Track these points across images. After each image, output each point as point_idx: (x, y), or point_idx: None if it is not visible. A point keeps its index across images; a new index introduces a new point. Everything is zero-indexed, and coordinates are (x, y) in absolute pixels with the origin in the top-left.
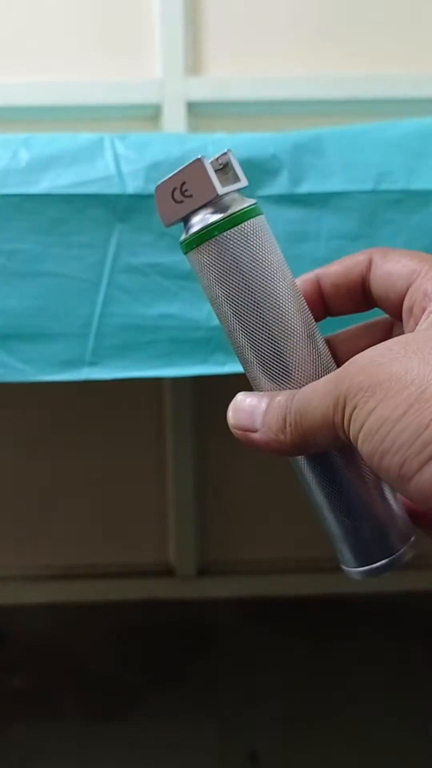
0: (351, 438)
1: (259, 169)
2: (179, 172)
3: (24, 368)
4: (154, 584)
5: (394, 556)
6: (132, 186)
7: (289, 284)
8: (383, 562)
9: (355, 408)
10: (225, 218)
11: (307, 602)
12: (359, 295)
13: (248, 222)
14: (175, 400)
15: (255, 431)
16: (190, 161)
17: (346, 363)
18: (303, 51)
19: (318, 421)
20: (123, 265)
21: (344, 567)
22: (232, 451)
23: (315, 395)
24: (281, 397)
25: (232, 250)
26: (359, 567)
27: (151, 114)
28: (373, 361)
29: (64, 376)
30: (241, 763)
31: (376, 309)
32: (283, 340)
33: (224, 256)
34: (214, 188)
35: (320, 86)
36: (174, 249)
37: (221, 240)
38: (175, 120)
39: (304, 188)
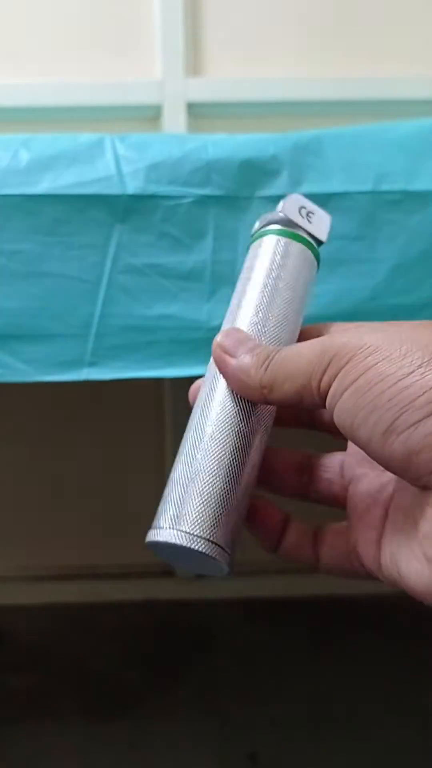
0: (328, 393)
1: (259, 170)
2: (313, 204)
3: (24, 368)
4: (153, 585)
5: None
6: (132, 186)
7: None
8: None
9: (348, 362)
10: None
11: (307, 603)
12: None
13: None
14: (174, 400)
15: (233, 357)
16: (324, 212)
17: (338, 330)
18: (303, 52)
19: (296, 366)
20: (123, 266)
21: (164, 528)
22: None
23: (302, 348)
24: (269, 346)
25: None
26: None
27: (152, 115)
28: (373, 329)
29: (64, 377)
30: (241, 763)
31: None
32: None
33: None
34: (325, 235)
35: (320, 87)
36: (174, 249)
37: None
38: (175, 121)
39: (304, 189)
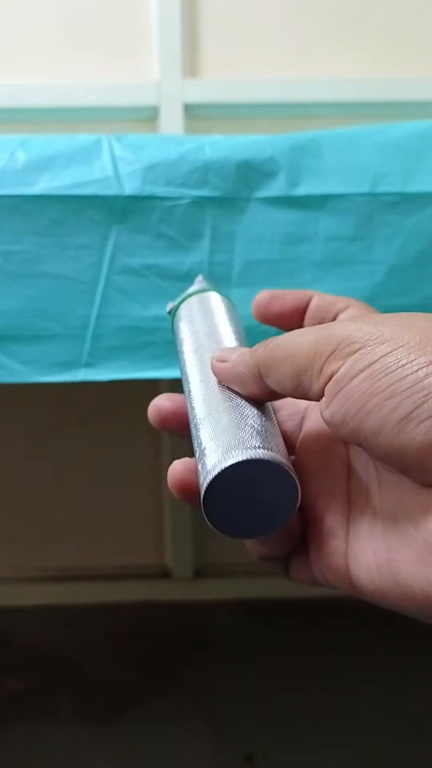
0: (332, 378)
1: (256, 171)
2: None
3: (21, 369)
4: (150, 586)
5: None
6: (129, 187)
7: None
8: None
9: (361, 348)
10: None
11: (304, 604)
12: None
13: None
14: None
15: (226, 362)
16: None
17: (339, 319)
18: (300, 53)
19: (295, 347)
20: (120, 267)
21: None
22: None
23: (307, 330)
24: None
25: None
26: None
27: (149, 116)
28: (381, 320)
29: (61, 378)
30: (238, 765)
31: None
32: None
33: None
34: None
35: (317, 89)
36: (171, 250)
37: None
38: (172, 122)
39: (301, 190)
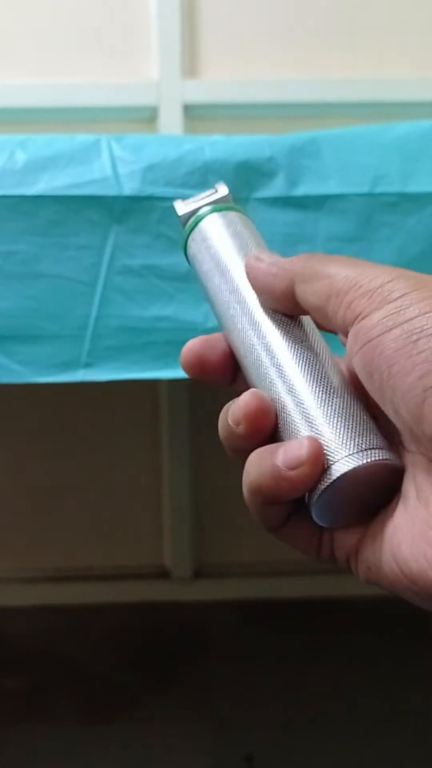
0: (366, 318)
1: (256, 172)
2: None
3: (20, 370)
4: (149, 587)
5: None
6: (128, 188)
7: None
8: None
9: (397, 299)
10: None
11: (302, 605)
12: None
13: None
14: (171, 402)
15: (261, 262)
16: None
17: None
18: (299, 54)
19: (339, 275)
20: (119, 267)
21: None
22: None
23: (342, 262)
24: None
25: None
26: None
27: (148, 116)
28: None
29: (60, 378)
30: (238, 765)
31: None
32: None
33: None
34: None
35: (316, 89)
36: (170, 250)
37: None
38: (171, 122)
39: (301, 191)
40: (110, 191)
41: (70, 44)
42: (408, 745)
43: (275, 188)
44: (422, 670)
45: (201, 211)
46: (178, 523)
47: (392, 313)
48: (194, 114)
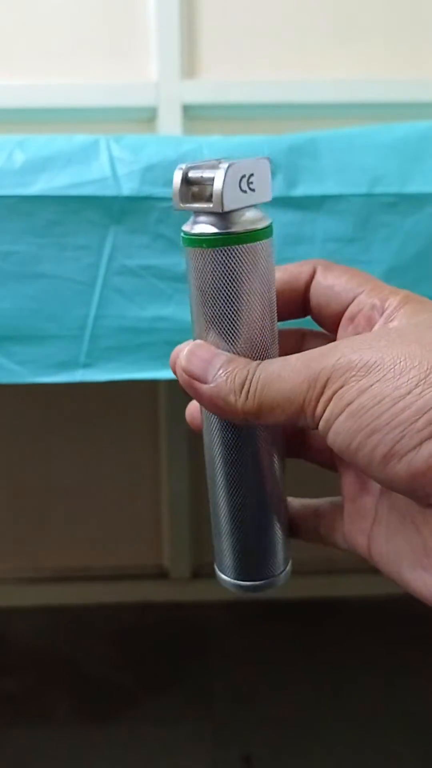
0: (322, 417)
1: None
2: (243, 160)
3: (19, 370)
4: (148, 587)
5: (275, 577)
6: (127, 188)
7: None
8: (264, 582)
9: (342, 386)
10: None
11: (301, 605)
12: (299, 303)
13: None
14: (170, 402)
15: (205, 383)
16: (260, 158)
17: (326, 346)
18: (298, 54)
19: (284, 394)
20: (118, 267)
21: (220, 573)
22: None
23: (287, 368)
24: (244, 361)
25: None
26: (239, 580)
27: (147, 117)
28: (366, 344)
29: (58, 378)
30: (236, 765)
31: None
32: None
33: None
34: (270, 191)
35: (315, 89)
36: (169, 251)
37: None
38: (170, 123)
39: (299, 191)
40: (109, 191)
41: (70, 45)
42: (407, 745)
43: (274, 189)
44: (422, 671)
45: (193, 229)
46: (176, 523)
47: (339, 400)
48: (193, 114)
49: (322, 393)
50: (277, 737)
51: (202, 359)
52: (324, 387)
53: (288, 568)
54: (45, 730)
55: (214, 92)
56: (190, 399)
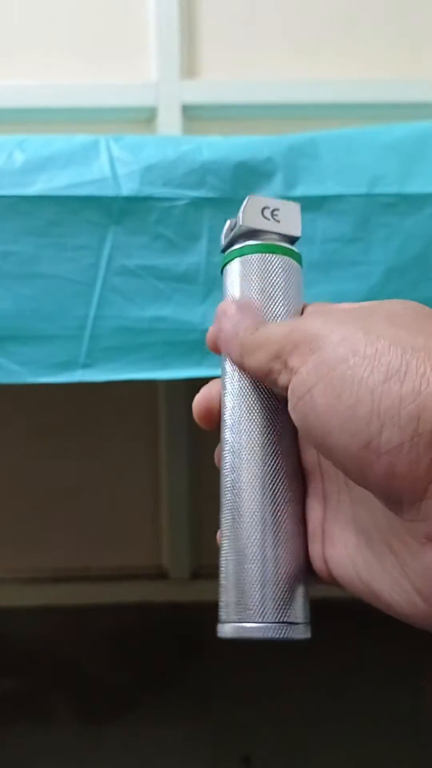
0: (294, 377)
1: (254, 172)
2: (273, 199)
3: (18, 370)
4: (147, 587)
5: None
6: (127, 188)
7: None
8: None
9: (319, 349)
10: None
11: None
12: None
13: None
14: (169, 402)
15: (232, 317)
16: (289, 202)
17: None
18: (298, 55)
19: (272, 340)
20: (117, 268)
21: (227, 619)
22: None
23: (278, 323)
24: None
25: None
26: (245, 622)
27: (147, 117)
28: (352, 316)
29: (58, 378)
30: (235, 766)
31: None
32: None
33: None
34: (299, 229)
35: (315, 90)
36: (168, 251)
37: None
38: (170, 123)
39: (299, 191)
40: (109, 192)
41: (69, 45)
42: (405, 745)
43: (273, 188)
44: (421, 672)
45: (244, 246)
46: (176, 523)
47: (316, 364)
48: (193, 114)
49: (298, 345)
50: (276, 737)
51: (243, 305)
52: (302, 340)
53: (303, 625)
54: (44, 729)
55: (213, 92)
56: (191, 399)
